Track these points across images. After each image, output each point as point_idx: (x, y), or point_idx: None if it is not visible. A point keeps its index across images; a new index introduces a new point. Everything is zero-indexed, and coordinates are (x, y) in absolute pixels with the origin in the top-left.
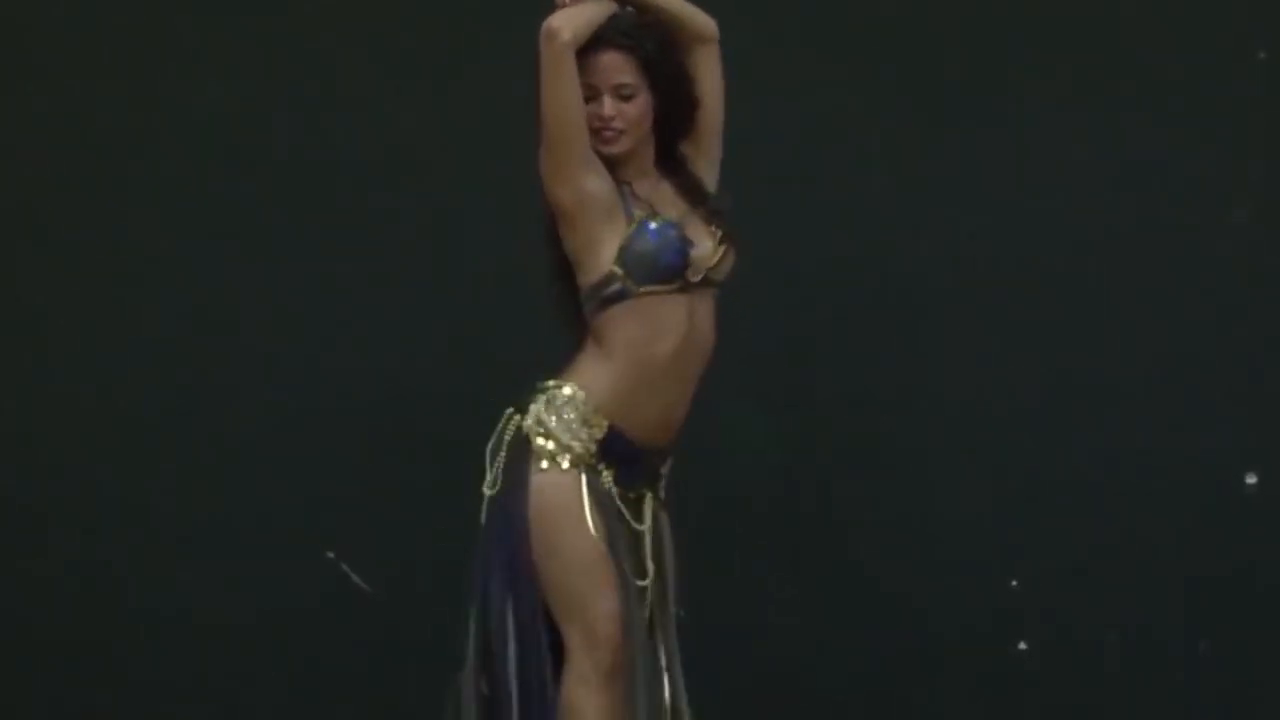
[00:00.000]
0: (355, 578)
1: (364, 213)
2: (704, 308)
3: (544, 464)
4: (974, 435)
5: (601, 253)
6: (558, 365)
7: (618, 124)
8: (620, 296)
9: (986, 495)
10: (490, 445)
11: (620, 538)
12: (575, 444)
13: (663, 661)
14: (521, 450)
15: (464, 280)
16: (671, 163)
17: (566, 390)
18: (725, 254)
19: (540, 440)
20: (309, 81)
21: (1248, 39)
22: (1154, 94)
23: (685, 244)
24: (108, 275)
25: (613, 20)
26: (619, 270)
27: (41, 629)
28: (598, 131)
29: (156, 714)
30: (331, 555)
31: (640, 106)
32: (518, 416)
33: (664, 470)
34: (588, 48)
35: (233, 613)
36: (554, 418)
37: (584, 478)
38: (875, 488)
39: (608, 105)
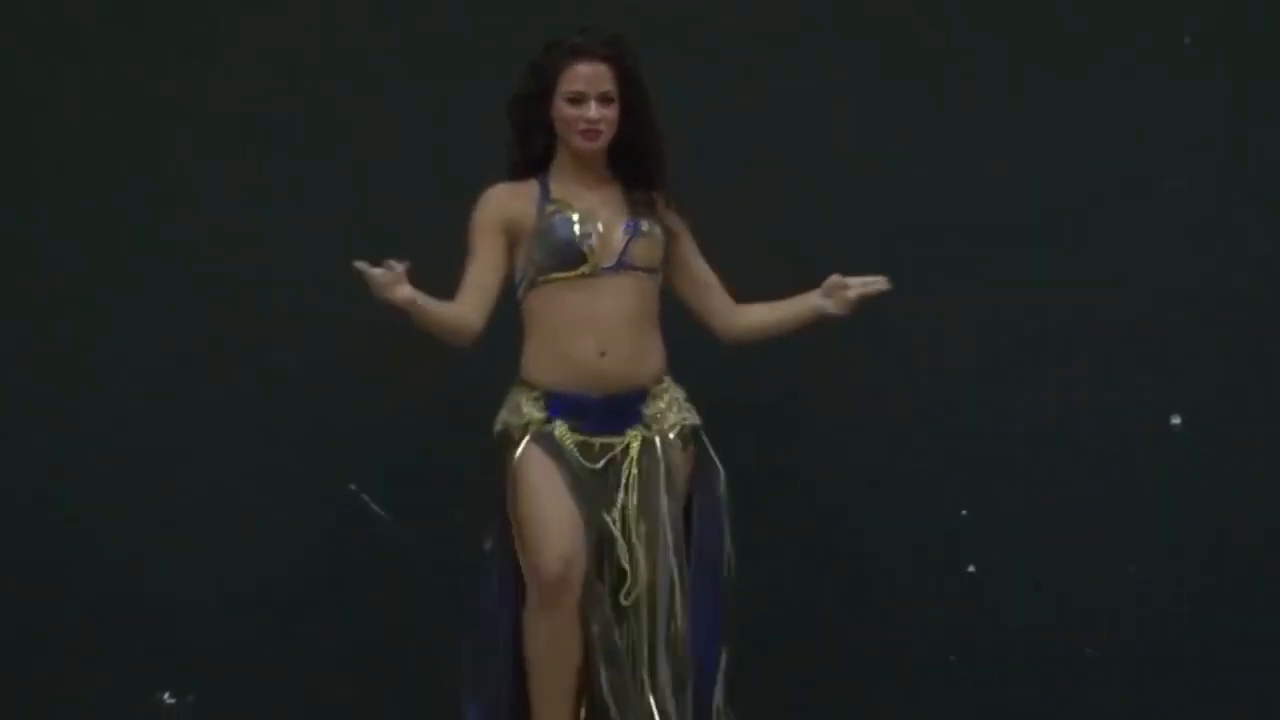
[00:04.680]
0: (374, 506)
1: (364, 179)
2: (623, 287)
3: (513, 445)
4: (927, 381)
5: (529, 254)
6: None
7: (602, 125)
8: (532, 284)
9: (939, 437)
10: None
11: (582, 478)
12: (519, 419)
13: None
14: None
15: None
16: (626, 171)
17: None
18: (641, 243)
19: (504, 433)
20: (316, 59)
21: (1176, 25)
22: (1093, 71)
23: (582, 237)
24: (124, 226)
25: (596, 33)
26: (534, 259)
27: (58, 582)
28: (583, 132)
29: (176, 653)
30: (354, 487)
31: (616, 111)
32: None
33: (648, 411)
34: (576, 58)
35: (265, 545)
36: (505, 410)
37: (530, 444)
38: (835, 429)
39: (594, 108)
